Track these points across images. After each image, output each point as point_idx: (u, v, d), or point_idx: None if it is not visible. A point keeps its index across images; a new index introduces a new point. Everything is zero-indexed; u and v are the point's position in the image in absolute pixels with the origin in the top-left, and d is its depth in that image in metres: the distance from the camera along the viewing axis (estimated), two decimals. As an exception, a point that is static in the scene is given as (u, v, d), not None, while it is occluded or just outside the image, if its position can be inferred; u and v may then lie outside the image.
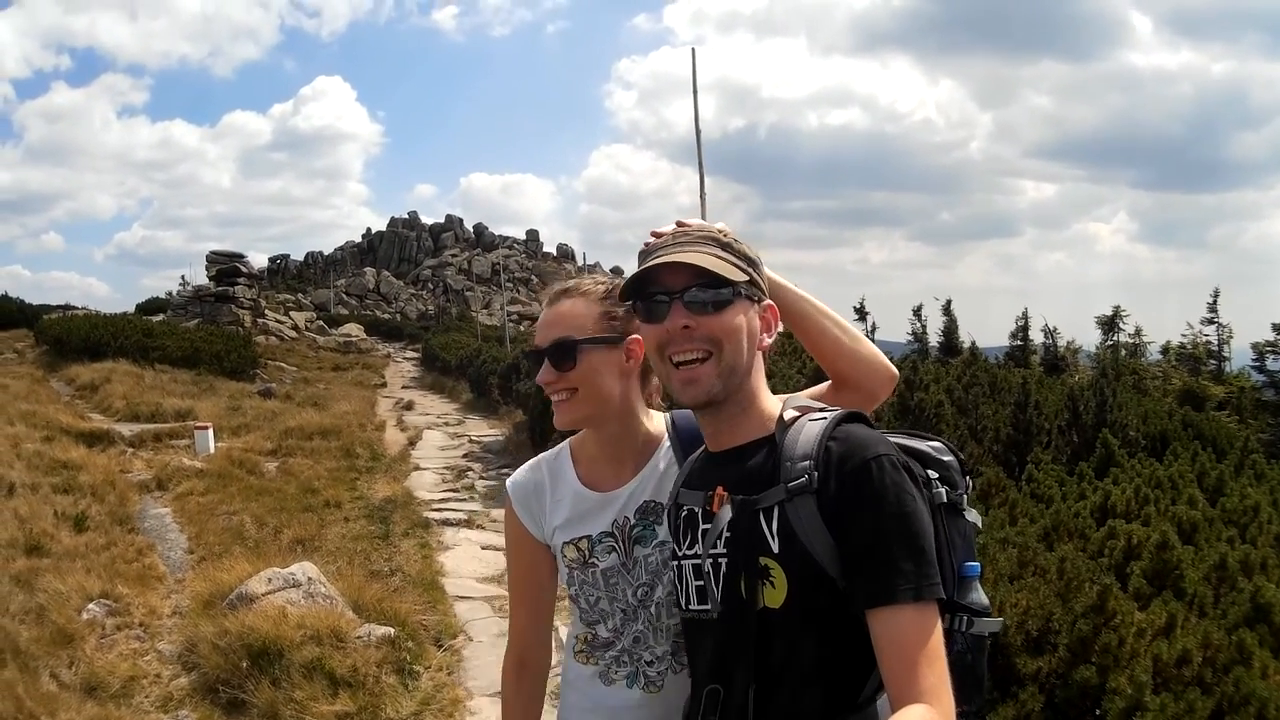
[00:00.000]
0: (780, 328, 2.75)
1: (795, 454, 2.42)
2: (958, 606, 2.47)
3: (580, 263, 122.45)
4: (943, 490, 2.55)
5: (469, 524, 14.45)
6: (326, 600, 9.00)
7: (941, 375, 14.43)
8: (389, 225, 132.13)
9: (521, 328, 67.93)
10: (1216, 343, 28.45)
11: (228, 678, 7.84)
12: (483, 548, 13.10)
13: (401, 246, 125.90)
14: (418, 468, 19.23)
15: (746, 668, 2.46)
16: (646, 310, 2.59)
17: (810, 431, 2.46)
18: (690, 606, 2.66)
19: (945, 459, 2.66)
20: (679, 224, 2.74)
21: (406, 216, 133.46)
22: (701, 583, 2.59)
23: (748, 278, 2.58)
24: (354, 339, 60.29)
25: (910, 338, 28.38)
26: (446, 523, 14.43)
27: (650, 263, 2.57)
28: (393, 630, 8.63)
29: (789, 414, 2.58)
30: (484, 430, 24.63)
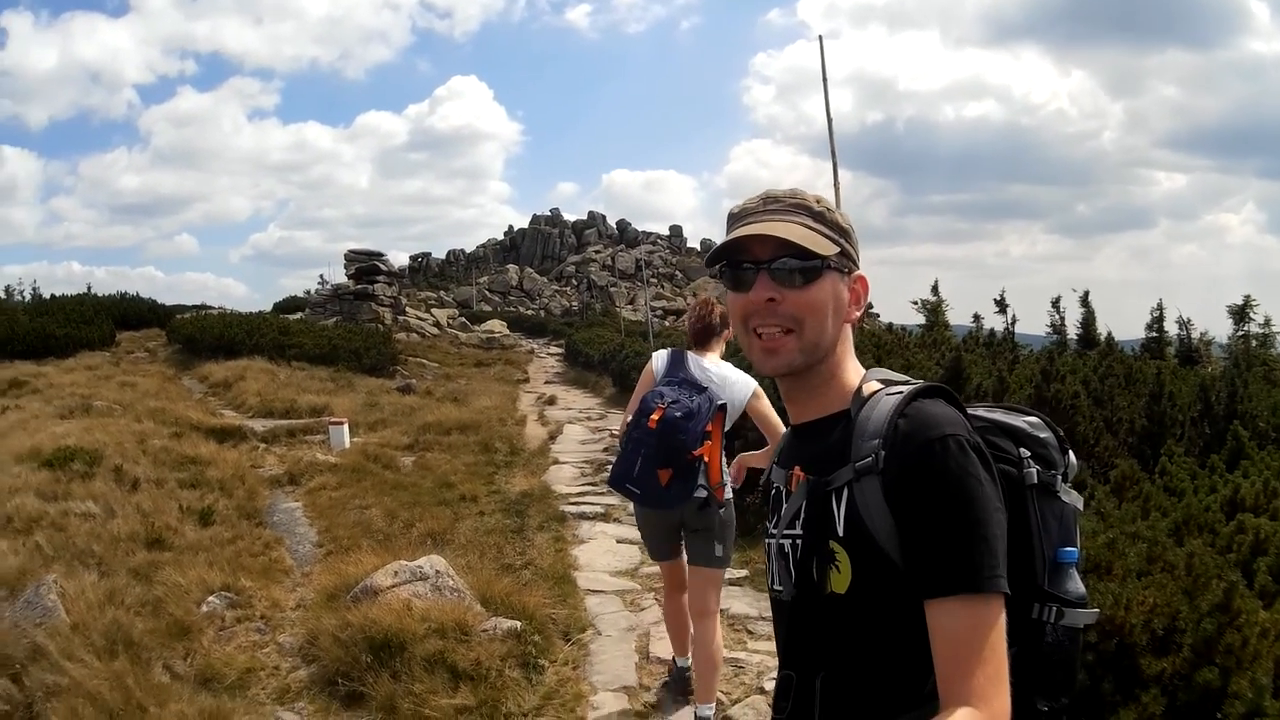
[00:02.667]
0: (869, 300, 2.67)
1: (867, 431, 2.37)
2: (1048, 595, 2.40)
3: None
4: (1034, 470, 2.45)
5: (605, 517, 14.37)
6: (454, 594, 8.91)
7: (1078, 366, 14.18)
8: (531, 222, 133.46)
9: (666, 323, 68.00)
10: None
11: (347, 670, 7.77)
12: (618, 541, 13.03)
13: (545, 243, 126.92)
14: (556, 462, 19.14)
15: (814, 654, 2.48)
16: (733, 279, 2.55)
17: (884, 408, 2.39)
18: (773, 586, 2.68)
19: (1041, 435, 2.55)
20: (768, 193, 2.64)
21: (549, 214, 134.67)
22: (784, 563, 2.58)
23: (838, 249, 2.51)
24: (496, 335, 60.66)
25: (1049, 329, 28.13)
26: (583, 516, 14.36)
27: (739, 232, 2.51)
28: (519, 624, 8.54)
29: (869, 387, 2.52)
30: (615, 421, 24.50)
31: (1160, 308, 27.58)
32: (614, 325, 59.09)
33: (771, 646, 8.90)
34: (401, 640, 7.83)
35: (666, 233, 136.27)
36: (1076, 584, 2.42)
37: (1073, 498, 2.51)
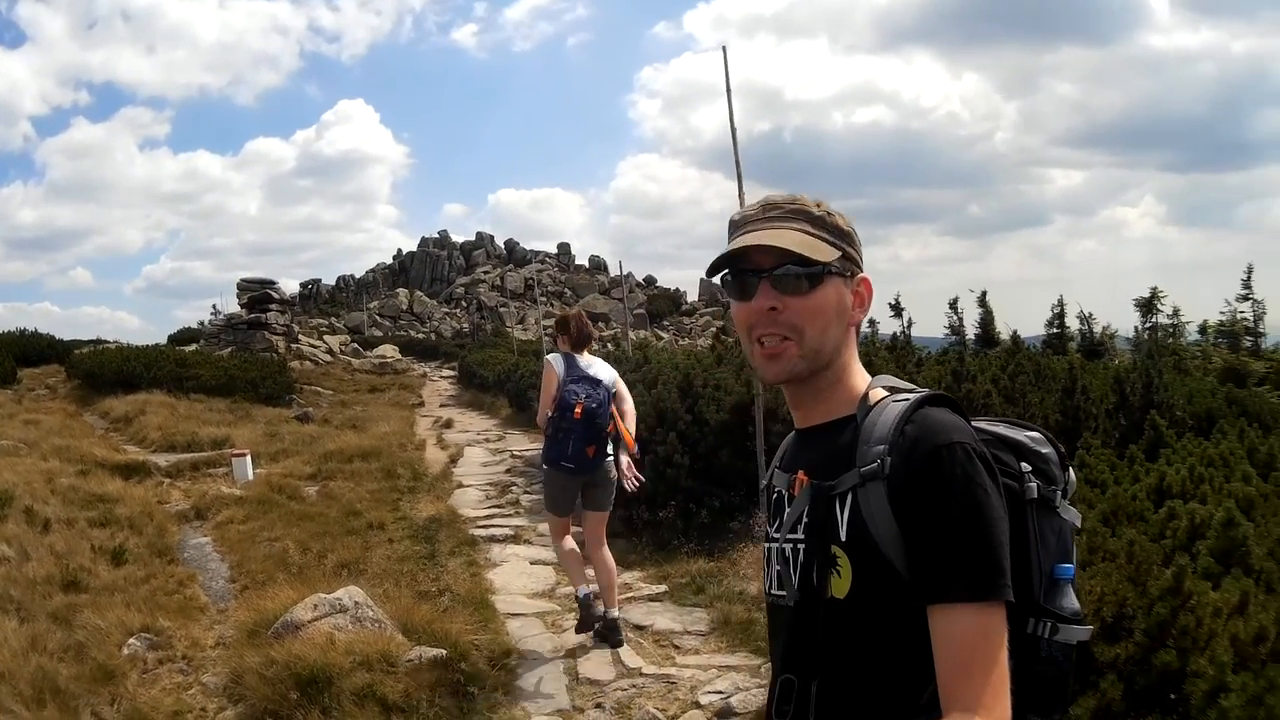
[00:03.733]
0: (873, 302, 2.63)
1: (873, 437, 2.34)
2: (1043, 610, 2.36)
3: (614, 273, 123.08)
4: (1034, 485, 2.41)
5: (516, 539, 14.24)
6: (375, 624, 8.78)
7: (987, 366, 14.26)
8: (420, 245, 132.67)
9: (558, 341, 67.90)
10: (1252, 319, 28.49)
11: (275, 709, 7.58)
12: (531, 563, 12.96)
13: (433, 266, 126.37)
14: (460, 485, 18.98)
15: (814, 659, 2.42)
16: (736, 288, 2.53)
17: (890, 414, 2.36)
18: (771, 591, 2.63)
19: (1043, 450, 2.52)
20: (767, 200, 2.62)
21: (437, 236, 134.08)
22: (781, 568, 2.54)
23: (839, 254, 2.49)
24: (389, 360, 60.41)
25: (947, 331, 28.39)
26: (493, 539, 14.23)
27: (739, 241, 2.50)
28: (444, 652, 8.38)
29: (876, 393, 2.49)
30: (525, 444, 24.45)
31: (1061, 304, 27.90)
32: (506, 346, 59.08)
33: (699, 660, 9.07)
34: (328, 675, 7.67)
35: (555, 251, 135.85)
36: (1072, 600, 2.41)
37: (1071, 514, 2.50)
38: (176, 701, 8.20)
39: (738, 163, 12.77)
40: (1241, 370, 21.82)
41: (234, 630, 9.61)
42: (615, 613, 9.47)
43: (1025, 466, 2.44)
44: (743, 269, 2.50)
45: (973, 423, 2.46)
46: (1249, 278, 29.31)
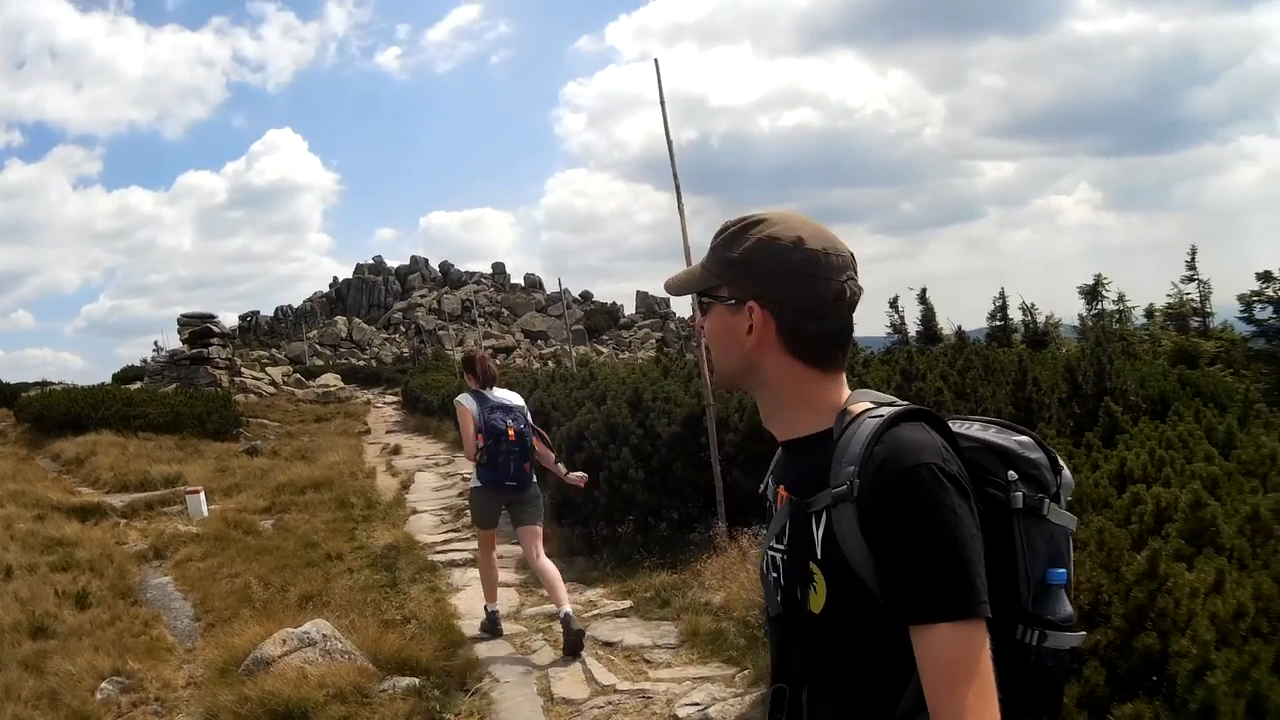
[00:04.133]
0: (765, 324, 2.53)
1: (845, 456, 2.33)
2: (1032, 618, 2.37)
3: (550, 290, 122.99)
4: (1020, 494, 2.42)
5: (475, 563, 13.91)
6: (345, 656, 8.80)
7: (934, 363, 14.33)
8: (355, 272, 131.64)
9: (498, 361, 67.85)
10: (1199, 299, 28.59)
11: (253, 746, 7.61)
12: (493, 586, 12.81)
13: (370, 292, 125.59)
14: (415, 511, 18.95)
15: (798, 670, 2.46)
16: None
17: (862, 432, 2.34)
18: (766, 599, 2.66)
19: (1033, 455, 2.53)
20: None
21: (372, 262, 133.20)
22: (775, 576, 2.56)
23: (716, 284, 2.56)
24: (332, 389, 60.10)
25: (889, 330, 28.46)
26: (453, 564, 14.28)
27: None
28: (417, 680, 8.46)
29: (855, 407, 2.46)
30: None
31: (1003, 295, 28.02)
32: (448, 369, 58.80)
33: (672, 674, 9.09)
34: (303, 709, 7.68)
35: (490, 271, 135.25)
36: (1064, 605, 2.43)
37: (1064, 518, 2.51)
38: (154, 744, 8.21)
39: (675, 175, 12.83)
40: (1192, 351, 21.97)
41: (204, 669, 9.62)
42: (568, 609, 9.91)
43: (1012, 474, 2.45)
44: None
45: (961, 429, 2.53)
46: (1193, 259, 29.43)
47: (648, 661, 9.54)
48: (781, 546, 2.53)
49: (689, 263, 12.44)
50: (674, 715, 8.11)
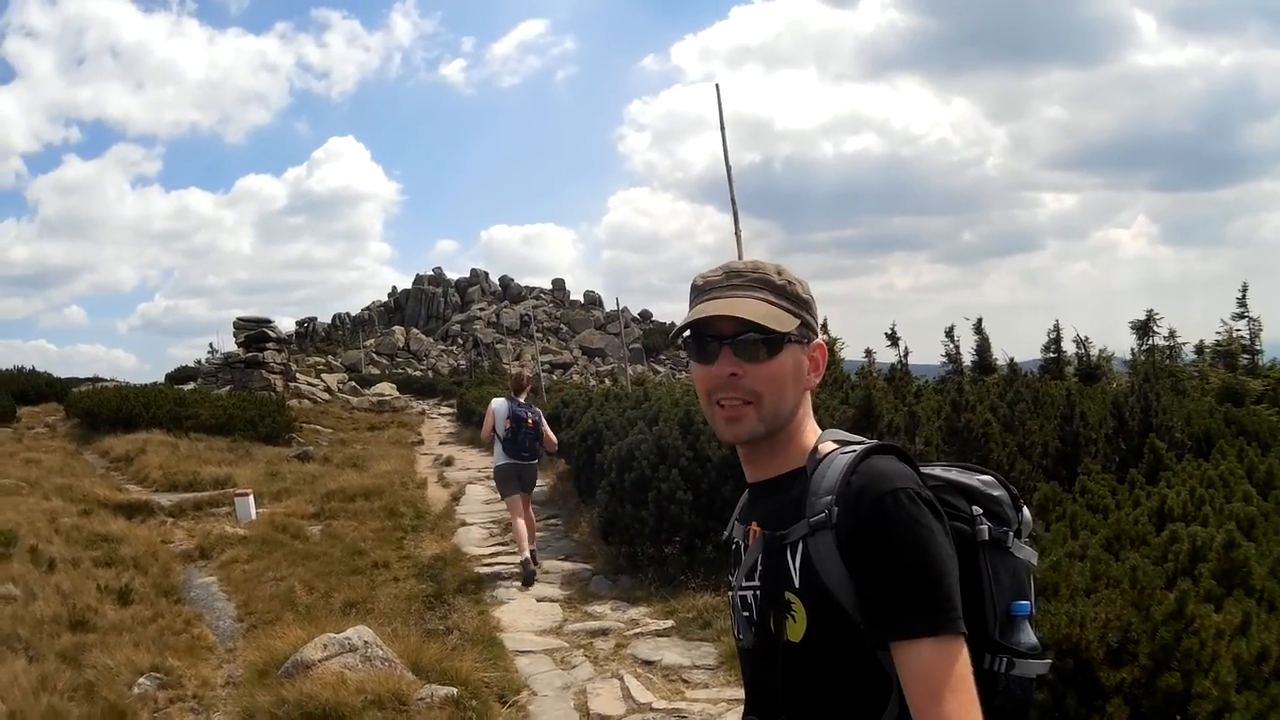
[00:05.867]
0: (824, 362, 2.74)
1: (821, 488, 2.45)
2: (999, 647, 2.47)
3: (609, 308, 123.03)
4: (986, 527, 2.53)
5: (521, 576, 14.11)
6: (385, 663, 8.77)
7: (984, 394, 14.28)
8: (414, 283, 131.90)
9: (554, 376, 67.91)
10: (1249, 336, 28.51)
11: (288, 749, 7.59)
12: (538, 600, 12.99)
13: (429, 303, 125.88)
14: (464, 523, 18.97)
15: (774, 701, 2.53)
16: (698, 351, 2.63)
17: (837, 466, 2.47)
18: (736, 635, 2.73)
19: (995, 493, 2.65)
20: (728, 267, 2.74)
21: (432, 273, 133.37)
22: (746, 614, 2.64)
23: (799, 322, 2.60)
24: (387, 398, 60.17)
25: (944, 359, 28.46)
26: (498, 577, 14.27)
27: (702, 310, 2.60)
28: (455, 690, 8.41)
29: (825, 446, 2.60)
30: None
31: (1057, 328, 27.91)
32: (504, 383, 58.96)
33: (709, 695, 9.13)
34: (340, 714, 7.67)
35: (549, 286, 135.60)
36: (1029, 636, 2.51)
37: (1025, 553, 2.61)
38: (188, 741, 8.20)
39: (733, 200, 12.86)
40: (1239, 389, 21.83)
41: (243, 669, 9.65)
42: (528, 555, 14.31)
43: (977, 510, 2.55)
44: (705, 334, 2.59)
45: (925, 470, 2.58)
46: (1244, 295, 29.37)
47: (685, 681, 9.54)
48: (754, 583, 2.60)
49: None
50: (705, 737, 8.03)
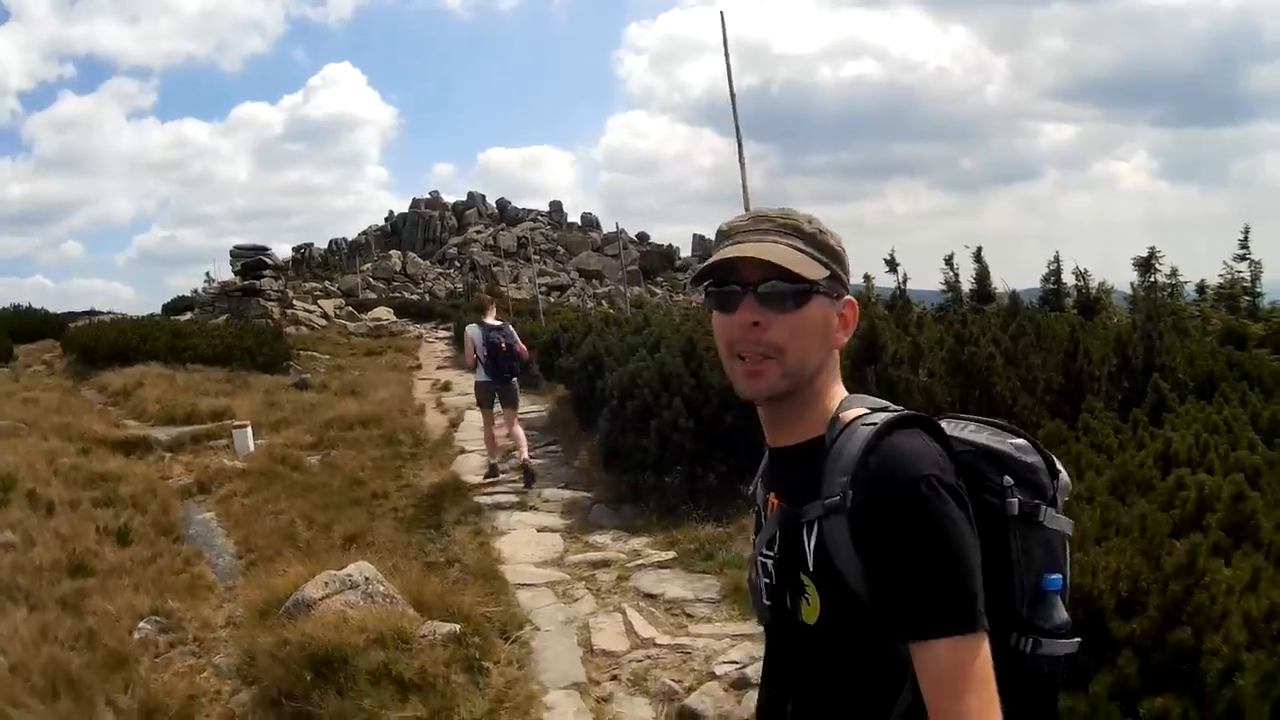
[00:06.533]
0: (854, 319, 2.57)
1: (838, 465, 2.31)
2: (1027, 625, 2.36)
3: (606, 230, 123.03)
4: (1015, 500, 2.39)
5: (521, 506, 14.24)
6: (386, 600, 8.72)
7: (986, 326, 14.20)
8: (411, 206, 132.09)
9: (551, 299, 67.80)
10: (1249, 279, 28.47)
11: (290, 690, 7.52)
12: (538, 530, 12.91)
13: (425, 227, 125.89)
14: (463, 451, 18.90)
15: (790, 677, 2.53)
16: (719, 299, 2.49)
17: (856, 441, 2.32)
18: (761, 601, 2.63)
19: (1028, 459, 2.49)
20: (758, 212, 2.59)
21: (428, 196, 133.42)
22: (768, 580, 2.57)
23: (828, 273, 2.45)
24: (384, 322, 60.14)
25: (943, 286, 28.43)
26: (498, 506, 14.20)
27: (727, 252, 2.45)
28: (458, 627, 8.34)
29: (848, 414, 2.44)
30: (525, 407, 24.27)
31: (1057, 259, 27.89)
32: (501, 306, 58.83)
33: (712, 629, 9.08)
34: (343, 654, 7.60)
35: (547, 209, 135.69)
36: (1059, 612, 2.39)
37: (1060, 523, 2.45)
38: (190, 686, 8.15)
39: (737, 128, 12.73)
40: (1240, 332, 21.79)
41: (244, 609, 9.58)
42: (527, 457, 15.86)
43: (1008, 480, 2.41)
44: (728, 280, 2.45)
45: (956, 431, 2.51)
46: (1246, 237, 29.30)
47: (689, 615, 9.49)
48: (772, 553, 2.52)
49: (748, 210, 12.39)
50: (711, 672, 8.05)
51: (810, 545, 2.33)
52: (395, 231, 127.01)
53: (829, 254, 2.47)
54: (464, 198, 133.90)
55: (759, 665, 7.94)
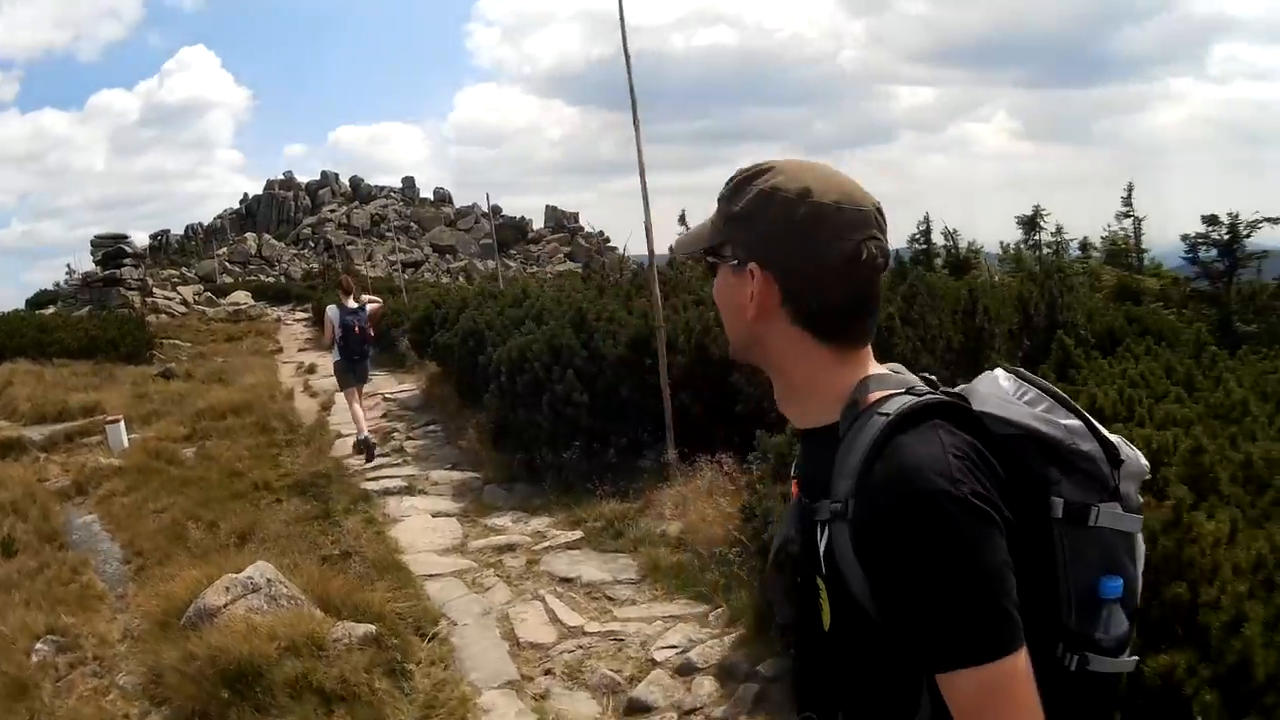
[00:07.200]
0: (767, 289, 2.13)
1: (846, 465, 1.98)
2: (1074, 638, 1.97)
3: (459, 204, 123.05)
4: (1059, 501, 1.97)
5: (410, 490, 13.83)
6: (291, 602, 8.24)
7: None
8: (265, 188, 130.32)
9: (407, 275, 67.11)
10: (1133, 236, 28.86)
11: (204, 709, 7.04)
12: (433, 515, 12.49)
13: (280, 208, 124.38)
14: (339, 434, 18.33)
15: (813, 685, 2.21)
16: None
17: (865, 437, 1.98)
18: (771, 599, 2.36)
19: (1084, 447, 2.04)
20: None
21: (282, 177, 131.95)
22: (789, 577, 2.23)
23: (720, 240, 2.19)
24: (243, 306, 59.20)
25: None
26: (387, 492, 13.77)
27: None
28: (373, 627, 7.89)
29: (872, 395, 2.07)
30: (395, 387, 23.95)
31: (927, 220, 28.13)
32: (358, 284, 58.19)
33: (639, 612, 8.79)
34: (256, 666, 7.10)
35: (400, 185, 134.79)
36: (1114, 624, 1.99)
37: (1124, 522, 2.03)
38: (97, 711, 7.55)
39: (633, 93, 12.29)
40: (1135, 288, 21.97)
41: (141, 620, 9.07)
42: (367, 434, 16.28)
43: (1054, 474, 2.00)
44: None
45: (1000, 412, 2.06)
46: (1130, 195, 29.63)
47: (610, 599, 9.14)
48: (794, 545, 2.18)
49: (642, 181, 12.26)
50: (651, 659, 7.71)
51: (821, 547, 2.02)
52: (251, 214, 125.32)
53: (729, 221, 2.18)
54: (318, 177, 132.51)
55: (702, 649, 7.69)
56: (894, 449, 1.91)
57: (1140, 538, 2.09)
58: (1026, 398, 2.11)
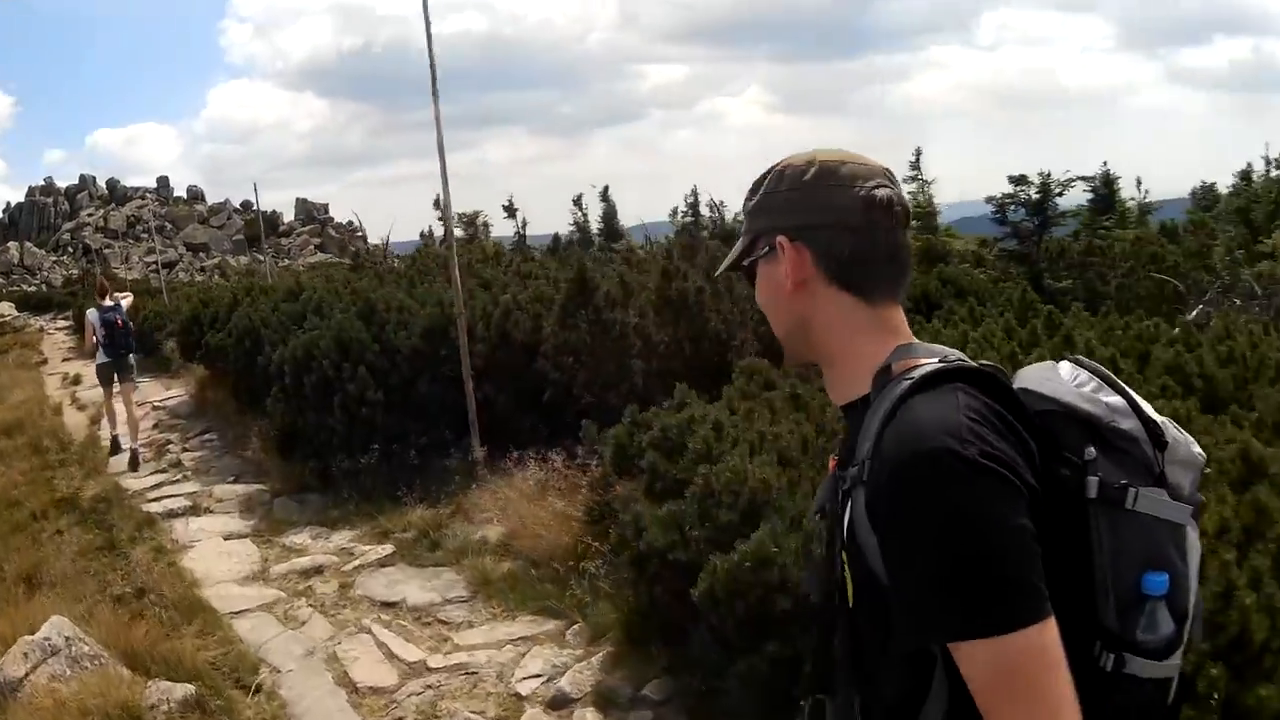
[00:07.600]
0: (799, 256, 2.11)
1: (870, 430, 1.92)
2: (1112, 638, 1.80)
3: (211, 201, 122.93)
4: (1096, 480, 1.83)
5: (195, 511, 12.92)
6: (95, 661, 7.30)
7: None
8: (27, 195, 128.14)
9: (165, 275, 65.78)
10: (927, 200, 29.58)
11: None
12: (225, 538, 11.66)
13: (41, 215, 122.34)
14: (114, 451, 17.08)
15: (824, 664, 2.16)
16: None
17: (886, 400, 1.93)
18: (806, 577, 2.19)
19: (1124, 425, 1.92)
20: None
21: (43, 183, 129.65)
22: (820, 551, 2.33)
23: (752, 236, 2.19)
24: (6, 318, 57.33)
25: (572, 228, 28.75)
26: (171, 514, 12.81)
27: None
28: (191, 688, 7.03)
29: (902, 364, 2.01)
30: (163, 394, 22.89)
31: (694, 193, 28.34)
32: (119, 286, 56.74)
33: (482, 637, 8.19)
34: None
35: (155, 186, 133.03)
36: (1158, 624, 1.82)
37: (1164, 509, 1.86)
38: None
39: (435, 86, 11.74)
40: (943, 250, 22.14)
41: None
42: (133, 444, 16.14)
43: (1090, 452, 1.86)
44: None
45: (1037, 389, 1.99)
46: (918, 159, 30.26)
47: (445, 623, 8.48)
48: (818, 519, 2.24)
49: (442, 162, 12.19)
50: (515, 693, 7.06)
51: (847, 518, 1.95)
52: (13, 223, 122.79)
53: (751, 215, 2.22)
54: (76, 181, 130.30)
55: (571, 675, 7.08)
56: (908, 410, 1.86)
57: (1194, 533, 1.93)
58: (1079, 379, 2.02)
